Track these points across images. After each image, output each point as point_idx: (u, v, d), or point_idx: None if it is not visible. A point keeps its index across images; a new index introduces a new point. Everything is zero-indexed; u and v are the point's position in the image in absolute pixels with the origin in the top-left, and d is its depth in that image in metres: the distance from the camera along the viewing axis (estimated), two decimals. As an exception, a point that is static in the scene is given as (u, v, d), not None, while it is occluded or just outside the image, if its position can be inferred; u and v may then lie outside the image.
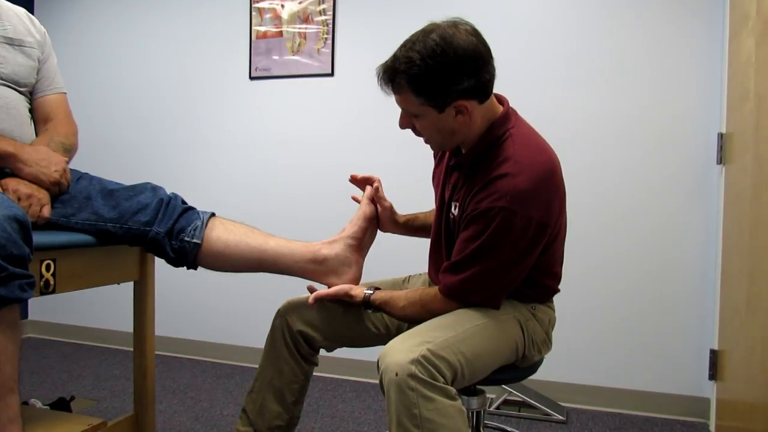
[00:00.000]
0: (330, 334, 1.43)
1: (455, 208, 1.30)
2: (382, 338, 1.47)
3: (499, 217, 1.13)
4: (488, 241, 1.15)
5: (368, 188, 1.48)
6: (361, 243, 1.43)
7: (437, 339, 1.11)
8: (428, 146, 1.34)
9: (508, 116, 1.26)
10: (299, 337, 1.41)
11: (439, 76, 1.13)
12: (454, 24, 1.17)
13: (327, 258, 1.38)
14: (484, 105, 1.22)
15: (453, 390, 1.09)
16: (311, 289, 1.42)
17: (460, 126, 1.21)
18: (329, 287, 1.39)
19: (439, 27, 1.16)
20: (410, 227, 1.55)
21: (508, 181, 1.14)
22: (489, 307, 1.26)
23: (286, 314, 1.43)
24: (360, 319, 1.44)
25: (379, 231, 1.53)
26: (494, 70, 1.20)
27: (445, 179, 1.37)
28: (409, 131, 1.29)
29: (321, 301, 1.41)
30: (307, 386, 1.46)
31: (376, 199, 1.47)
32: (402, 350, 1.08)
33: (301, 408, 1.46)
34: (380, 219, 1.50)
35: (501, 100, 1.30)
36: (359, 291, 1.36)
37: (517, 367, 1.34)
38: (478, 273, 1.19)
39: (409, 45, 1.16)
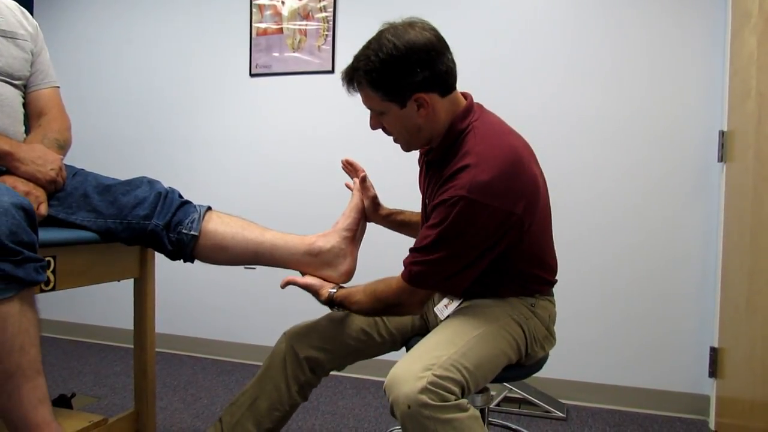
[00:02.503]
0: (338, 353, 1.44)
1: (428, 204, 1.32)
2: (388, 346, 1.49)
3: (459, 206, 1.14)
4: (449, 229, 1.16)
5: (356, 181, 1.49)
6: (355, 234, 1.44)
7: (440, 359, 1.12)
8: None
9: (470, 110, 1.27)
10: (305, 363, 1.41)
11: (393, 70, 1.18)
12: (410, 23, 1.23)
13: (322, 250, 1.38)
14: (447, 98, 1.24)
15: (464, 401, 1.10)
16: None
17: (424, 121, 1.24)
18: (325, 280, 1.40)
19: (393, 26, 1.23)
20: (392, 221, 1.54)
21: (468, 172, 1.15)
22: (449, 293, 1.29)
23: (291, 341, 1.43)
24: (365, 332, 1.45)
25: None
26: (452, 63, 1.23)
27: (423, 181, 1.39)
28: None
29: (326, 321, 1.44)
30: (288, 417, 1.45)
31: (361, 187, 1.48)
32: (408, 379, 1.08)
33: None
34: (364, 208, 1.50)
35: (465, 95, 1.31)
36: (325, 291, 1.36)
37: (523, 365, 1.34)
38: (440, 259, 1.19)
39: (366, 45, 1.23)
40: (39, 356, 1.05)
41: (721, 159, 2.16)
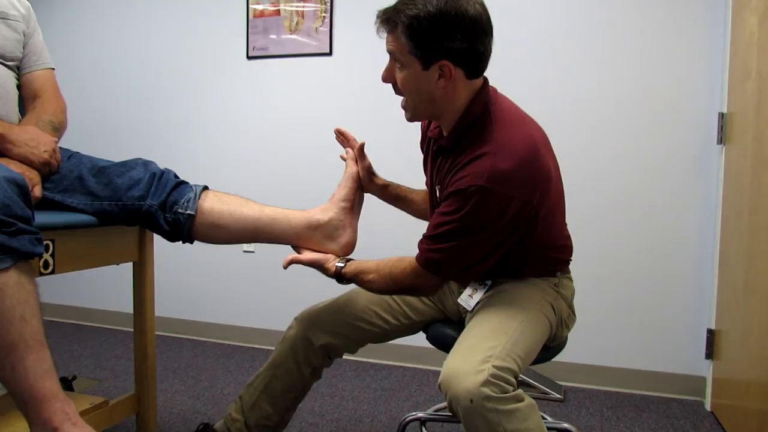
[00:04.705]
0: (353, 337, 1.44)
1: (438, 192, 1.30)
2: (404, 331, 1.48)
3: (476, 196, 1.12)
4: (466, 219, 1.14)
5: (349, 150, 1.47)
6: (353, 204, 1.42)
7: (496, 350, 1.10)
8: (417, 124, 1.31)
9: (487, 93, 1.23)
10: (320, 351, 1.43)
11: (436, 26, 1.12)
12: None
13: (321, 223, 1.37)
14: (470, 82, 1.20)
15: (521, 390, 1.10)
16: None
17: (441, 93, 1.19)
18: (327, 253, 1.38)
19: None
20: (388, 193, 1.51)
21: (487, 160, 1.13)
22: (466, 280, 1.28)
23: (305, 329, 1.43)
24: (381, 317, 1.45)
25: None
26: (491, 47, 1.18)
27: (432, 167, 1.36)
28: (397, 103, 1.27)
29: (339, 305, 1.44)
30: (303, 397, 1.49)
31: (357, 156, 1.45)
32: (468, 373, 1.06)
33: (292, 414, 1.50)
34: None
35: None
36: (332, 264, 1.34)
37: (548, 347, 1.33)
38: (457, 248, 1.18)
39: None
40: (41, 328, 1.03)
41: (720, 141, 2.15)
